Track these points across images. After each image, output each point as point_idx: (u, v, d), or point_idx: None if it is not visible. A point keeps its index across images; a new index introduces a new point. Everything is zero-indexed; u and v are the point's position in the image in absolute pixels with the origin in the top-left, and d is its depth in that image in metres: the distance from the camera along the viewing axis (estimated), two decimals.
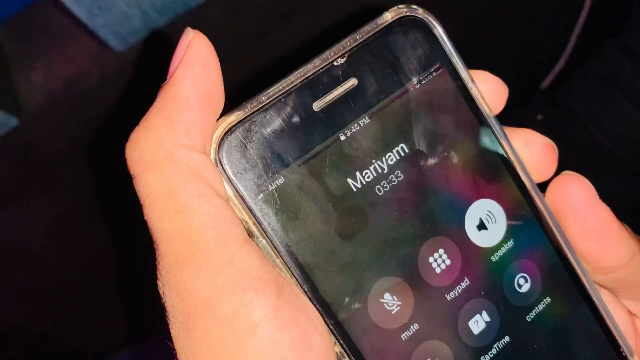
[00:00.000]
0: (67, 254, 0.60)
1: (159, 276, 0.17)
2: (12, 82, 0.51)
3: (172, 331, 0.17)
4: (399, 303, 0.19)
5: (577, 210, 0.21)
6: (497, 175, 0.21)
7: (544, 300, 0.22)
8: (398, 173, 0.20)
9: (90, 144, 0.54)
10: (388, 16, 0.20)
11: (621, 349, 0.23)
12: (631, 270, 0.21)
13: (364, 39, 0.19)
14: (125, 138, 0.56)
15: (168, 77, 0.18)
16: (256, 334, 0.16)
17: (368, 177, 0.19)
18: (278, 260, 0.18)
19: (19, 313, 0.62)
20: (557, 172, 0.22)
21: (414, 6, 0.20)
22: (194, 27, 0.53)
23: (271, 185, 0.18)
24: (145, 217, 0.17)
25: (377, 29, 0.20)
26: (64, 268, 0.61)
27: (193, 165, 0.17)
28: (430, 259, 0.20)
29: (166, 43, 0.51)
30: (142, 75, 0.53)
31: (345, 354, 0.19)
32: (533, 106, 0.54)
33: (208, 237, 0.16)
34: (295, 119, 0.19)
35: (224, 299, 0.16)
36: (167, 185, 0.16)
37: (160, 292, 0.17)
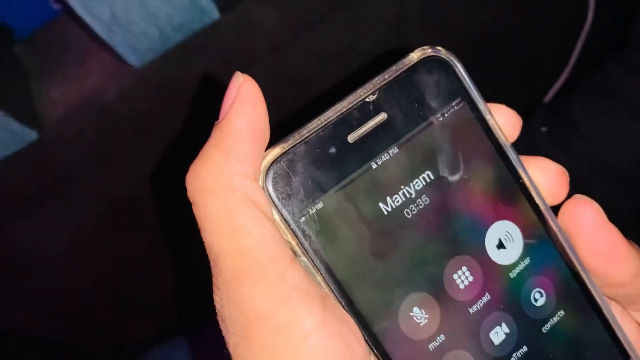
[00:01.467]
0: (83, 265, 0.62)
1: (216, 291, 0.19)
2: (31, 97, 0.53)
3: (230, 341, 0.19)
4: (427, 316, 0.21)
5: (587, 232, 0.22)
6: (514, 199, 0.23)
7: (559, 313, 0.23)
8: (424, 197, 0.21)
9: (108, 158, 0.56)
10: (414, 56, 0.22)
11: (630, 359, 0.24)
12: (638, 285, 0.23)
13: (392, 77, 0.21)
14: (139, 149, 0.57)
15: (221, 115, 0.20)
16: (307, 341, 0.18)
17: (397, 201, 0.21)
18: (319, 277, 0.20)
19: (35, 323, 0.63)
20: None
21: (439, 47, 0.22)
22: (208, 43, 0.54)
23: (311, 209, 0.20)
24: (204, 239, 0.19)
25: (404, 69, 0.22)
26: (80, 279, 0.62)
27: (247, 192, 0.19)
28: (455, 276, 0.22)
29: (182, 59, 0.52)
30: (159, 91, 0.54)
31: (370, 348, 0.20)
32: (537, 118, 0.56)
33: (262, 255, 0.18)
34: (332, 150, 0.20)
35: (279, 310, 0.18)
36: (225, 210, 0.18)
37: (217, 305, 0.19)
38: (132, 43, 0.48)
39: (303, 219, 0.20)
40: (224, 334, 0.20)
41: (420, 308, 0.21)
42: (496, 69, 0.69)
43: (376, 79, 0.21)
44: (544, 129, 0.54)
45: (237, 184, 0.19)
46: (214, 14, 0.49)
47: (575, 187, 0.50)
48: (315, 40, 0.59)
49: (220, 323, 0.20)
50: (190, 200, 0.19)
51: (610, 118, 0.50)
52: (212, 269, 0.19)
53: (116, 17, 0.46)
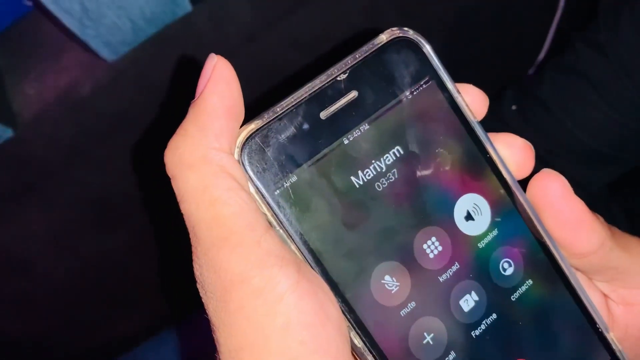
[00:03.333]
0: (65, 262, 0.61)
1: (195, 259, 0.20)
2: (5, 94, 0.53)
3: (210, 306, 0.20)
4: (398, 284, 0.22)
5: (554, 204, 0.23)
6: (482, 172, 0.24)
7: (527, 282, 0.24)
8: (394, 171, 0.22)
9: (86, 153, 0.55)
10: (383, 37, 0.23)
11: (597, 325, 0.25)
12: (602, 255, 0.24)
13: (362, 57, 0.22)
14: (117, 143, 0.57)
15: (197, 94, 0.21)
16: (283, 302, 0.19)
17: (368, 175, 0.22)
18: (293, 247, 0.21)
19: (17, 322, 0.63)
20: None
21: (406, 28, 0.23)
22: (182, 35, 0.54)
23: (286, 182, 0.21)
24: (183, 210, 0.20)
25: (374, 49, 0.22)
26: (62, 277, 0.62)
27: (223, 165, 0.20)
28: (424, 246, 0.22)
29: (156, 52, 0.52)
30: (134, 84, 0.54)
31: (352, 328, 0.21)
32: (507, 98, 0.57)
33: (238, 223, 0.19)
34: (306, 126, 0.21)
35: (255, 273, 0.19)
36: (202, 182, 0.19)
37: (197, 273, 0.20)
38: (105, 36, 0.48)
39: (278, 191, 0.21)
40: (203, 301, 0.20)
41: (391, 276, 0.22)
42: (471, 53, 0.70)
43: (347, 58, 0.22)
44: (514, 107, 0.55)
45: (214, 157, 0.20)
46: (187, 5, 0.50)
47: (545, 164, 0.51)
48: (289, 29, 0.59)
49: (200, 290, 0.20)
50: (169, 175, 0.20)
51: (577, 96, 0.51)
52: (191, 239, 0.20)
53: (87, 10, 0.46)
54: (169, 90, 0.55)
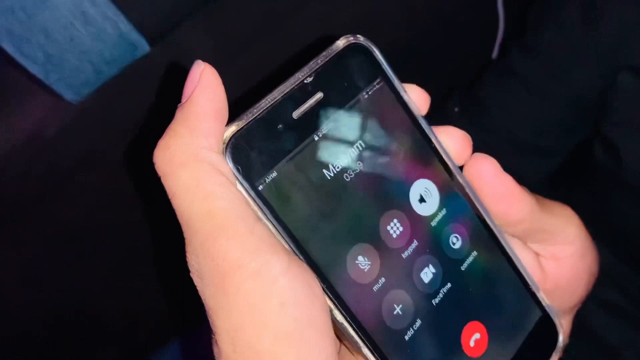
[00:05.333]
0: (39, 298, 0.63)
1: (191, 251, 0.22)
2: None
3: (207, 292, 0.22)
4: (369, 263, 0.25)
5: (488, 180, 0.27)
6: (429, 160, 0.27)
7: (472, 253, 0.28)
8: (359, 163, 0.25)
9: (55, 190, 0.57)
10: (340, 44, 0.26)
11: (530, 286, 0.29)
12: (532, 220, 0.27)
13: (324, 61, 0.25)
14: (86, 180, 0.59)
15: (185, 96, 0.23)
16: (277, 283, 0.21)
17: (337, 167, 0.25)
18: (278, 236, 0.23)
19: None
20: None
21: (359, 35, 0.26)
22: (142, 74, 0.57)
23: (267, 178, 0.23)
24: (176, 207, 0.22)
25: (333, 54, 0.25)
26: (33, 313, 0.63)
27: (212, 162, 0.22)
28: (388, 227, 0.25)
29: (117, 91, 0.55)
30: (98, 122, 0.56)
31: (334, 305, 0.24)
32: (451, 100, 0.62)
33: (232, 215, 0.21)
34: (280, 125, 0.24)
35: (251, 259, 0.21)
36: (195, 178, 0.21)
37: (193, 262, 0.22)
38: (68, 80, 0.51)
39: (261, 187, 0.23)
40: (199, 288, 0.22)
41: (363, 256, 0.25)
42: (424, 69, 0.74)
43: (310, 63, 0.25)
44: (456, 109, 0.60)
45: (204, 156, 0.22)
46: (145, 46, 0.52)
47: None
48: (250, 60, 0.62)
49: (196, 279, 0.22)
50: (159, 173, 0.22)
51: (511, 95, 0.56)
52: (184, 232, 0.22)
53: (50, 56, 0.49)
54: (132, 128, 0.58)
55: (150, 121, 0.59)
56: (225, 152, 0.23)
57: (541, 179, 0.59)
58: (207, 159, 0.22)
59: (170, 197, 0.22)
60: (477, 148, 0.60)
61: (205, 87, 0.22)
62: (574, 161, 0.59)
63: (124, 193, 0.64)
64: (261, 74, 0.63)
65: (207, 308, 0.22)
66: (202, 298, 0.22)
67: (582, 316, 0.56)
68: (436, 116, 0.62)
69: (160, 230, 0.70)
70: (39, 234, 0.60)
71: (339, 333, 0.24)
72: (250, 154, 0.23)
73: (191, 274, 0.22)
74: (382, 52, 0.26)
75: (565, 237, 0.29)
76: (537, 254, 0.30)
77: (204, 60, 0.59)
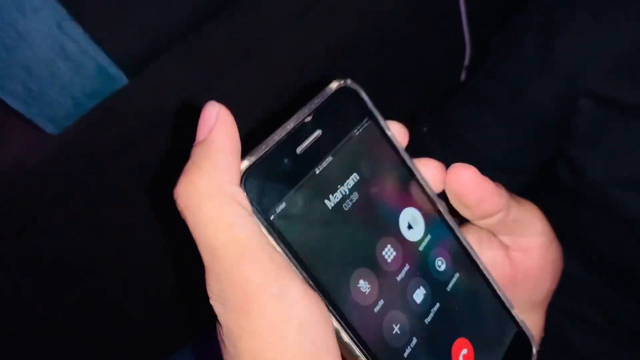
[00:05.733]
0: (18, 328, 0.63)
1: (214, 278, 0.23)
2: None
3: (230, 318, 0.23)
4: (369, 286, 0.26)
5: (470, 188, 0.29)
6: (413, 189, 0.29)
7: (455, 275, 0.30)
8: (355, 194, 0.27)
9: (36, 220, 0.58)
10: (333, 86, 0.28)
11: (505, 304, 0.31)
12: (507, 211, 0.30)
13: (320, 103, 0.27)
14: (67, 210, 0.59)
15: (203, 134, 0.24)
16: (298, 306, 0.23)
17: (337, 198, 0.26)
18: (290, 263, 0.25)
19: None
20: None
21: (348, 79, 0.28)
22: (120, 105, 0.58)
23: (277, 208, 0.25)
24: (200, 236, 0.23)
25: (327, 96, 0.27)
26: (14, 343, 0.63)
27: (233, 195, 0.24)
28: (383, 253, 0.27)
29: (97, 123, 0.56)
30: (78, 153, 0.58)
31: (341, 327, 0.25)
32: (420, 121, 0.65)
33: (253, 244, 0.23)
34: (286, 160, 0.25)
35: (272, 283, 0.23)
36: (218, 210, 0.23)
37: (216, 289, 0.23)
38: (48, 113, 0.52)
39: (272, 217, 0.24)
40: (221, 315, 0.24)
41: (364, 280, 0.26)
42: (395, 91, 0.76)
43: (309, 104, 0.27)
44: (425, 128, 0.63)
45: (227, 189, 0.23)
46: (123, 79, 0.54)
47: None
48: (225, 90, 0.64)
49: (217, 306, 0.24)
50: (182, 205, 0.23)
51: (476, 116, 0.59)
52: (206, 260, 0.23)
53: (30, 91, 0.50)
54: (110, 159, 0.59)
55: (129, 151, 0.60)
56: (242, 185, 0.24)
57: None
58: (228, 192, 0.23)
59: (192, 227, 0.23)
60: (446, 165, 0.62)
61: (223, 126, 0.24)
62: (541, 178, 0.63)
63: (105, 224, 0.65)
64: (236, 104, 0.65)
65: (228, 332, 0.24)
66: (224, 323, 0.24)
67: (560, 331, 0.58)
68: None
69: (140, 260, 0.71)
70: (21, 265, 0.61)
71: (346, 354, 0.26)
72: (262, 187, 0.24)
73: (211, 301, 0.24)
74: (368, 94, 0.29)
75: (533, 228, 0.31)
76: (507, 248, 0.32)
77: (181, 91, 0.61)
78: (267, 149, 0.25)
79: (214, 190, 0.23)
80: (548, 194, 0.63)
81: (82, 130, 0.56)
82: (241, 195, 0.24)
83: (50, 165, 0.56)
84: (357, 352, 0.25)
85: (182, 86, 0.60)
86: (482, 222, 0.30)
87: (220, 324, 0.24)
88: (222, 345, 0.25)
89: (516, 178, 0.61)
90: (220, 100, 0.64)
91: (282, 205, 0.25)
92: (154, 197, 0.66)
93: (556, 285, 0.34)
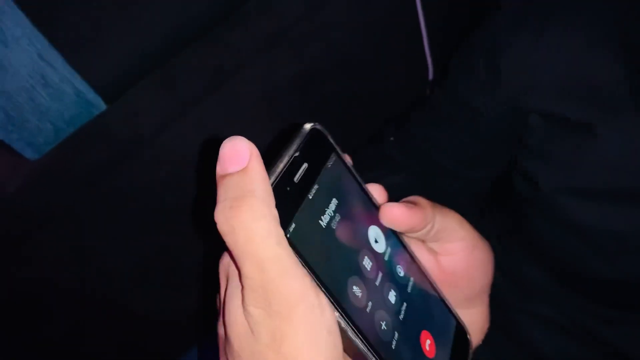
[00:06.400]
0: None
1: (255, 289, 0.26)
2: None
3: (274, 323, 0.26)
4: (360, 291, 0.30)
5: (402, 220, 0.33)
6: (372, 210, 0.34)
7: (410, 279, 0.34)
8: (337, 215, 0.31)
9: (14, 245, 0.59)
10: (307, 127, 0.32)
11: (446, 302, 0.36)
12: (434, 223, 0.34)
13: (302, 141, 0.31)
14: (44, 236, 0.60)
15: (239, 165, 0.27)
16: (326, 314, 0.27)
17: (326, 218, 0.30)
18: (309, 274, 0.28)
19: None
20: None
21: (316, 123, 0.32)
22: (98, 131, 0.60)
23: (290, 228, 0.28)
24: (249, 252, 0.26)
25: (305, 135, 0.31)
26: None
27: (275, 217, 0.27)
28: (364, 263, 0.32)
29: (75, 148, 0.58)
30: (56, 179, 0.59)
31: (349, 327, 0.29)
32: (387, 131, 0.70)
33: (292, 259, 0.26)
34: (289, 188, 0.29)
35: (309, 292, 0.26)
36: (268, 230, 0.26)
37: (260, 298, 0.26)
38: (28, 139, 0.54)
39: (288, 235, 0.28)
40: (258, 322, 0.27)
41: (356, 286, 0.30)
42: (364, 106, 0.80)
43: (294, 143, 0.31)
44: (392, 138, 0.67)
45: (272, 213, 0.27)
46: (101, 105, 0.56)
47: (420, 180, 0.63)
48: (198, 115, 0.66)
49: (256, 314, 0.26)
50: (228, 225, 0.26)
51: (436, 129, 0.64)
52: (253, 273, 0.26)
53: (11, 117, 0.52)
54: (88, 184, 0.61)
55: (107, 176, 0.62)
56: None
57: (467, 201, 0.67)
58: (273, 215, 0.26)
59: (243, 244, 0.26)
60: (410, 173, 0.67)
61: (259, 158, 0.27)
62: (499, 189, 0.67)
63: (84, 247, 0.66)
64: (208, 128, 0.67)
65: (269, 337, 0.27)
66: (263, 328, 0.27)
67: (523, 331, 0.62)
68: (375, 144, 0.70)
69: (117, 282, 0.71)
70: (1, 288, 0.61)
71: (351, 351, 0.30)
72: (279, 210, 0.27)
73: (249, 308, 0.27)
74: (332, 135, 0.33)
75: (456, 235, 0.35)
76: (435, 253, 0.36)
77: (156, 116, 0.63)
78: (275, 179, 0.28)
79: (264, 213, 0.26)
80: (506, 204, 0.68)
81: (60, 155, 0.57)
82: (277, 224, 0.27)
83: (30, 190, 0.58)
84: (364, 348, 0.29)
85: (157, 111, 0.62)
86: (412, 234, 0.35)
87: (252, 330, 0.27)
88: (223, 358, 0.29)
89: (470, 186, 0.66)
90: (192, 124, 0.67)
91: (293, 226, 0.28)
92: (132, 220, 0.67)
93: (490, 281, 0.38)
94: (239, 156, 0.27)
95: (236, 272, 0.29)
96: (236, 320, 0.28)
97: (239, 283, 0.28)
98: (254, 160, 0.27)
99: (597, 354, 0.60)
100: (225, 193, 0.27)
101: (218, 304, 0.33)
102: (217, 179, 0.28)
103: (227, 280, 0.30)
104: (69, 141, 0.56)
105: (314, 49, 0.70)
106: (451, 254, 0.36)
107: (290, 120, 0.74)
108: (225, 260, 0.31)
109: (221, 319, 0.31)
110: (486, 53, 0.56)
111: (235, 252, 0.26)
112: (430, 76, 0.89)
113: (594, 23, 0.50)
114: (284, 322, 0.26)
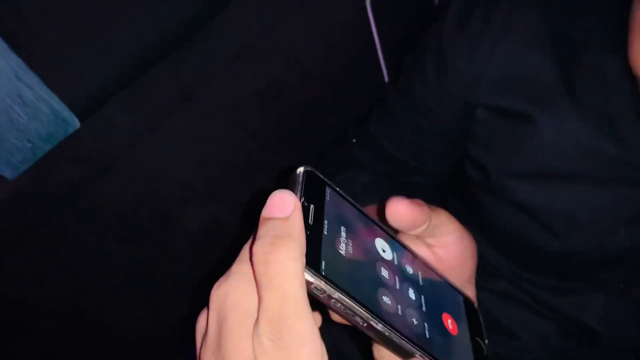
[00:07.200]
0: None
1: (275, 320, 0.29)
2: None
3: (279, 354, 0.28)
4: (389, 299, 0.34)
5: (405, 214, 0.37)
6: (371, 225, 0.38)
7: (419, 273, 0.39)
8: (349, 240, 0.35)
9: None
10: (300, 172, 0.35)
11: (450, 283, 0.41)
12: (430, 220, 0.38)
13: (301, 187, 0.34)
14: (21, 256, 0.62)
15: (283, 213, 0.31)
16: (324, 351, 0.30)
17: (342, 246, 0.34)
18: (348, 301, 0.32)
19: None
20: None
21: (306, 165, 0.36)
22: (73, 148, 0.62)
23: (322, 266, 0.31)
24: (277, 286, 0.29)
25: (300, 180, 0.35)
26: None
27: (302, 264, 0.30)
28: (382, 274, 0.36)
29: (52, 166, 0.60)
30: (33, 198, 0.61)
31: (393, 333, 0.33)
32: (351, 132, 0.75)
33: (308, 303, 0.30)
34: (309, 232, 0.32)
35: (316, 339, 0.29)
36: (299, 270, 0.29)
37: (274, 330, 0.29)
38: (5, 158, 0.55)
39: (324, 273, 0.31)
40: (265, 350, 0.29)
41: (385, 296, 0.34)
42: (328, 113, 0.85)
43: (296, 190, 0.34)
44: (354, 140, 0.72)
45: (304, 258, 0.30)
46: (76, 123, 0.58)
47: (386, 179, 0.69)
48: (168, 130, 0.69)
49: (266, 342, 0.29)
50: (265, 259, 0.29)
51: (392, 129, 0.70)
52: (274, 305, 0.28)
53: None
54: (64, 202, 0.63)
55: (81, 194, 0.64)
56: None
57: (431, 192, 0.72)
58: (303, 260, 0.30)
59: (271, 277, 0.29)
60: (375, 172, 0.71)
61: (300, 210, 0.31)
62: (455, 178, 0.73)
63: (59, 266, 0.67)
64: (178, 144, 0.70)
65: None
66: (268, 357, 0.29)
67: (487, 308, 0.67)
68: (340, 147, 0.75)
69: (92, 301, 0.73)
70: None
71: (397, 353, 0.34)
72: (308, 254, 0.31)
73: (261, 337, 0.29)
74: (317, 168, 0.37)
75: (447, 229, 0.40)
76: (431, 247, 0.41)
77: (128, 133, 0.66)
78: None
79: (298, 256, 0.29)
80: (462, 191, 0.73)
81: (35, 174, 0.59)
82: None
83: (5, 209, 0.59)
84: (407, 344, 0.33)
85: (128, 128, 0.65)
86: (411, 232, 0.39)
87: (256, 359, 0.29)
88: None
89: (430, 179, 0.71)
90: (162, 139, 0.70)
91: (324, 264, 0.31)
92: (109, 235, 0.69)
93: (476, 265, 0.43)
94: (284, 205, 0.31)
95: (249, 300, 0.31)
96: (242, 347, 0.30)
97: (251, 313, 0.30)
98: (297, 211, 0.31)
99: (548, 321, 0.65)
100: (267, 232, 0.30)
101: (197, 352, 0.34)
102: (260, 220, 0.31)
103: (218, 324, 0.32)
104: (45, 159, 0.58)
105: (277, 62, 0.74)
106: (445, 246, 0.41)
107: (258, 131, 0.78)
108: (202, 319, 0.34)
109: None
110: (435, 55, 0.62)
111: (262, 282, 0.29)
112: (386, 79, 0.96)
113: (527, 22, 0.56)
114: (290, 356, 0.28)
